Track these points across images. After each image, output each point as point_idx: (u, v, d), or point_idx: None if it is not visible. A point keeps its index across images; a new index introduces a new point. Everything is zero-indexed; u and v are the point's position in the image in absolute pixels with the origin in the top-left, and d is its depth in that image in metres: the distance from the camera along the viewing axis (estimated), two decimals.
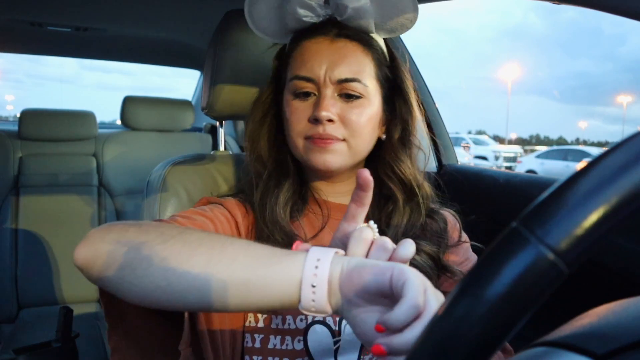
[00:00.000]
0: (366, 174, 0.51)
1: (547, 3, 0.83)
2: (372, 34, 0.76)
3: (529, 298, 0.23)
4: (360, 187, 0.52)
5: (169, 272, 0.49)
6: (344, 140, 0.72)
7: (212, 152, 1.00)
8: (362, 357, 0.70)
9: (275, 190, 0.75)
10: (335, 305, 0.46)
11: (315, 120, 0.71)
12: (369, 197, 0.52)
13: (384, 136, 0.79)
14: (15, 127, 2.12)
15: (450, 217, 0.82)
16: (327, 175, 0.77)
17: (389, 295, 0.44)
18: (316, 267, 0.46)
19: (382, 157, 0.78)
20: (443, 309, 0.25)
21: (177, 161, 0.92)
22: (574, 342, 0.25)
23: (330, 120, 0.70)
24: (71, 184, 2.11)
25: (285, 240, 0.71)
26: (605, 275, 0.85)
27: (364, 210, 0.53)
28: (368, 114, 0.73)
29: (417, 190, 0.76)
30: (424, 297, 0.42)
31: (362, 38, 0.74)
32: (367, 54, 0.74)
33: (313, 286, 0.45)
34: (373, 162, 0.79)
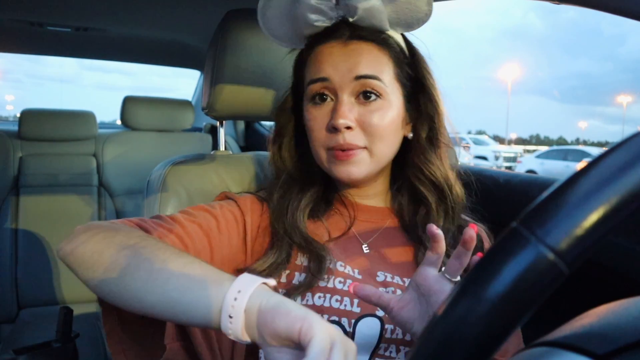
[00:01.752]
0: (433, 229, 0.56)
1: (547, 3, 0.83)
2: (388, 32, 0.73)
3: (529, 298, 0.23)
4: (432, 239, 0.56)
5: (117, 280, 0.54)
6: (365, 147, 0.70)
7: (212, 152, 1.00)
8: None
9: (299, 196, 0.76)
10: (252, 337, 0.47)
11: (334, 129, 0.69)
12: (442, 246, 0.57)
13: (410, 135, 0.76)
14: (15, 127, 2.12)
15: (484, 234, 0.80)
16: (352, 185, 0.77)
17: (297, 343, 0.44)
18: (235, 298, 0.47)
19: (410, 160, 0.76)
20: (443, 309, 0.25)
21: (177, 161, 0.92)
22: (574, 342, 0.25)
23: (349, 128, 0.69)
24: (71, 184, 2.11)
25: (303, 243, 0.71)
26: (605, 275, 0.85)
27: (440, 257, 0.57)
28: (389, 117, 0.70)
29: (448, 191, 0.75)
30: (329, 355, 0.42)
31: (377, 37, 0.72)
32: (384, 53, 0.71)
33: (230, 317, 0.46)
34: (400, 163, 0.78)
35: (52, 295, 1.97)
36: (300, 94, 0.78)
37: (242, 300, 0.47)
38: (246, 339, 0.47)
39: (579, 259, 0.23)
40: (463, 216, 0.81)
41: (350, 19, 0.71)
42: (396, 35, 0.74)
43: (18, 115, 2.13)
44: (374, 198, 0.79)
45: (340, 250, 0.73)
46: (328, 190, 0.79)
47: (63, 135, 2.14)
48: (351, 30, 0.72)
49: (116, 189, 2.18)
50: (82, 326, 1.29)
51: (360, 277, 0.70)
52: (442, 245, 0.56)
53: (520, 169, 14.34)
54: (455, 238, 0.75)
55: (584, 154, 12.96)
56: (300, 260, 0.72)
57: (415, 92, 0.76)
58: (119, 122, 2.44)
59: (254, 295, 0.47)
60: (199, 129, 2.57)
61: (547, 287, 0.23)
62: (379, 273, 0.72)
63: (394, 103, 0.72)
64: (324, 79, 0.70)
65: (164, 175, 0.88)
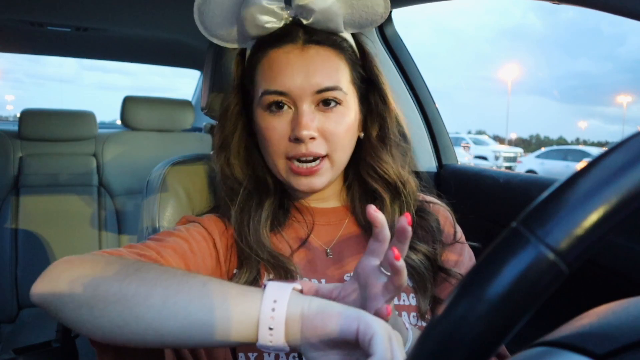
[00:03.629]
0: (372, 211, 0.51)
1: (547, 3, 0.83)
2: (341, 33, 0.71)
3: (529, 298, 0.23)
4: (373, 224, 0.52)
5: (125, 312, 0.48)
6: (326, 156, 0.69)
7: (212, 152, 1.00)
8: None
9: (258, 210, 0.72)
10: (293, 344, 0.46)
11: (297, 140, 0.67)
12: (385, 233, 0.52)
13: (361, 134, 0.76)
14: (15, 127, 2.12)
15: (442, 211, 0.80)
16: (312, 194, 0.75)
17: (352, 343, 0.44)
18: (273, 309, 0.45)
19: (362, 158, 0.75)
20: (443, 309, 0.25)
21: (176, 161, 0.92)
22: (574, 342, 0.25)
23: (312, 138, 0.67)
24: (71, 184, 2.11)
25: (271, 259, 0.68)
26: (605, 275, 0.85)
27: (383, 245, 0.53)
28: (347, 123, 0.70)
29: (402, 187, 0.74)
30: (391, 349, 0.42)
31: (333, 41, 0.69)
32: (340, 58, 0.70)
33: (270, 328, 0.45)
34: (354, 161, 0.76)
35: None
36: (247, 96, 0.75)
37: (281, 310, 0.45)
38: (287, 348, 0.46)
39: (579, 258, 0.23)
40: (429, 198, 0.81)
41: (305, 22, 0.68)
42: (348, 36, 0.73)
43: (18, 115, 2.13)
44: (331, 199, 0.78)
45: (305, 262, 0.72)
46: (282, 197, 0.77)
47: (63, 135, 2.14)
48: (306, 34, 0.69)
49: (116, 189, 2.18)
50: None
51: (298, 284, 0.69)
52: (384, 232, 0.52)
53: (520, 169, 14.34)
54: (414, 227, 0.74)
55: (584, 154, 12.96)
56: (267, 279, 0.69)
57: (367, 92, 0.75)
58: (119, 122, 2.44)
59: (292, 302, 0.46)
60: (199, 129, 2.57)
61: (548, 287, 0.23)
62: (345, 277, 0.71)
63: (352, 107, 0.71)
64: (282, 93, 0.67)
65: (164, 175, 0.88)
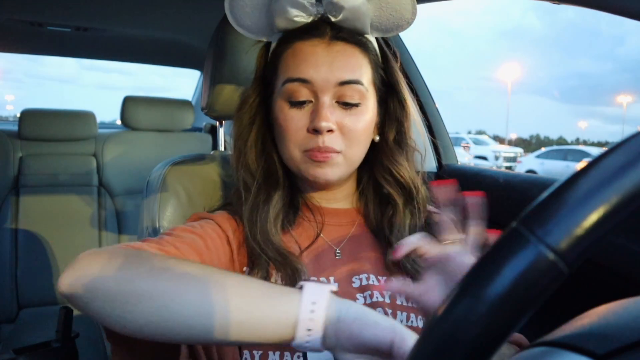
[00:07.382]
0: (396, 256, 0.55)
1: (546, 3, 0.83)
2: (366, 35, 0.72)
3: (529, 298, 0.23)
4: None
5: (160, 308, 0.47)
6: (340, 152, 0.69)
7: (212, 152, 1.00)
8: None
9: (265, 206, 0.72)
10: (328, 346, 0.46)
11: (315, 131, 0.67)
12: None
13: (377, 138, 0.76)
14: (15, 127, 2.12)
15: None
16: (325, 188, 0.75)
17: (386, 354, 0.45)
18: (312, 310, 0.46)
19: (379, 160, 0.76)
20: (443, 309, 0.25)
21: (176, 161, 0.92)
22: (574, 342, 0.25)
23: (330, 130, 0.67)
24: (71, 184, 2.11)
25: (279, 258, 0.68)
26: (605, 275, 0.85)
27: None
28: (366, 121, 0.70)
29: (415, 193, 0.74)
30: None
31: (359, 40, 0.71)
32: (364, 56, 0.71)
33: (309, 329, 0.45)
34: (367, 164, 0.77)
35: (52, 295, 1.97)
36: (267, 88, 0.75)
37: (319, 312, 0.45)
38: (322, 349, 0.46)
39: (579, 258, 0.23)
40: (430, 208, 0.81)
41: (333, 19, 0.69)
42: (372, 39, 0.74)
43: (18, 115, 2.13)
44: (342, 201, 0.78)
45: (314, 261, 0.72)
46: (293, 195, 0.77)
47: (63, 135, 2.14)
48: (333, 30, 0.70)
49: (116, 189, 2.19)
50: (82, 326, 1.29)
51: (336, 284, 0.69)
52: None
53: (520, 169, 14.34)
54: (422, 231, 0.74)
55: (584, 154, 12.97)
56: (275, 279, 0.69)
57: (386, 96, 0.75)
58: (119, 122, 2.44)
59: (330, 305, 0.46)
60: (199, 129, 2.57)
61: (547, 287, 0.23)
62: (354, 279, 0.71)
63: (370, 107, 0.71)
64: (305, 81, 0.68)
65: (164, 175, 0.88)
